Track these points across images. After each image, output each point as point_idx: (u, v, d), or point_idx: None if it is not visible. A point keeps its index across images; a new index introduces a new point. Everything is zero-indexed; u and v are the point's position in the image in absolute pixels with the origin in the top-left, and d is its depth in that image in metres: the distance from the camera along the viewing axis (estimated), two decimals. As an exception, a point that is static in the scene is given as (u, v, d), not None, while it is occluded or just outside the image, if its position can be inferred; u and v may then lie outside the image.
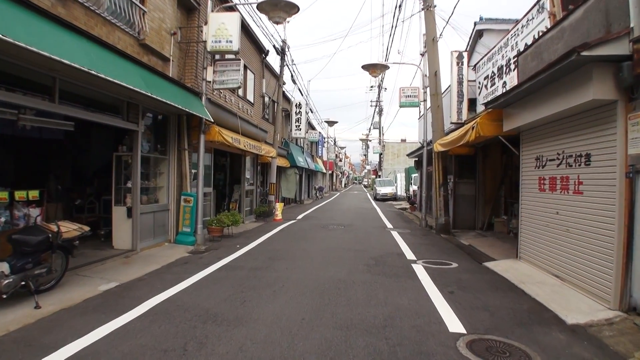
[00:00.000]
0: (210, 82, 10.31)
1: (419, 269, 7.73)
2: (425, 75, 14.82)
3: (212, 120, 10.23)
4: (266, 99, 18.26)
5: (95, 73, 5.91)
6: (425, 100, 15.79)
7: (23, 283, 5.36)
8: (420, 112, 22.02)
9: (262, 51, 16.68)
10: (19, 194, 7.26)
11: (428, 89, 14.53)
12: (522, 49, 8.95)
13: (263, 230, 13.21)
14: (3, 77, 5.89)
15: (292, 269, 7.57)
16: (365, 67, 14.42)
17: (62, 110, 6.66)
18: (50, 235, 5.68)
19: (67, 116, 7.05)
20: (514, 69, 9.78)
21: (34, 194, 7.45)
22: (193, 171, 10.60)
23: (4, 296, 5.12)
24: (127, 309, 5.26)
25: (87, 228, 6.30)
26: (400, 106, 16.17)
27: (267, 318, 4.95)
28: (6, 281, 5.13)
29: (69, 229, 5.97)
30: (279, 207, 16.92)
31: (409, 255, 9.19)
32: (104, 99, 7.75)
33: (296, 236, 12.04)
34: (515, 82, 8.75)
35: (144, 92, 7.16)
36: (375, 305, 5.49)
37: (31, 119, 6.45)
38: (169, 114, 9.96)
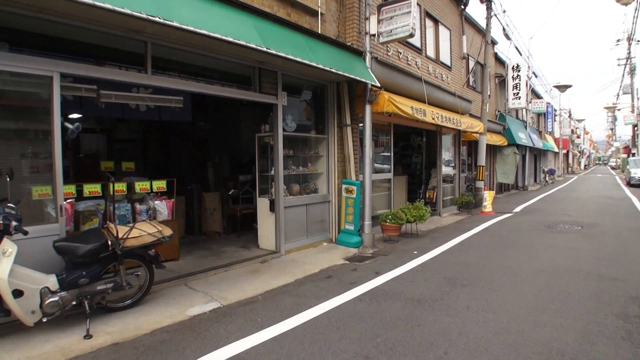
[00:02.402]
0: (374, 35, 7.65)
1: None
2: None
3: (379, 85, 7.57)
4: (470, 62, 14.43)
5: (161, 21, 4.06)
6: None
7: (74, 303, 3.92)
8: None
9: (459, 0, 12.98)
10: (140, 185, 6.18)
11: None
12: None
13: (460, 228, 9.85)
14: (74, 47, 4.61)
15: (475, 312, 4.33)
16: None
17: (155, 82, 5.14)
18: (110, 241, 4.09)
19: (176, 90, 5.56)
20: None
21: (159, 184, 6.30)
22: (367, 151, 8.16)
23: (45, 319, 3.73)
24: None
25: (168, 232, 4.54)
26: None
27: None
28: (50, 299, 3.74)
29: (142, 233, 4.30)
30: (488, 196, 13.07)
31: None
32: (223, 66, 6.03)
33: (503, 241, 8.28)
34: None
35: (254, 47, 5.06)
36: None
37: (116, 94, 5.12)
38: (326, 81, 7.76)
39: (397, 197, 10.80)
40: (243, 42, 4.92)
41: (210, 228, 8.31)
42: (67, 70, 4.38)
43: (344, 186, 7.79)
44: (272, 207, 6.90)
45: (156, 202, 6.25)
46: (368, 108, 7.69)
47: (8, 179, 3.89)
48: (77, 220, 5.53)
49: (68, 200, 5.29)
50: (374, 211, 9.10)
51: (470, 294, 4.86)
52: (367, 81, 7.36)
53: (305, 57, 5.99)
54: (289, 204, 7.03)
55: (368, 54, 7.67)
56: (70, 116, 9.06)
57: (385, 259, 6.79)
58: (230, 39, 4.77)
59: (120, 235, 4.15)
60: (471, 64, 14.50)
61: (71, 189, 5.37)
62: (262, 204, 7.12)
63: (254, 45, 5.04)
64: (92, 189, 5.59)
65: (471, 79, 14.95)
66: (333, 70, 6.49)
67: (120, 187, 5.86)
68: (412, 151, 13.99)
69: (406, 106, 8.30)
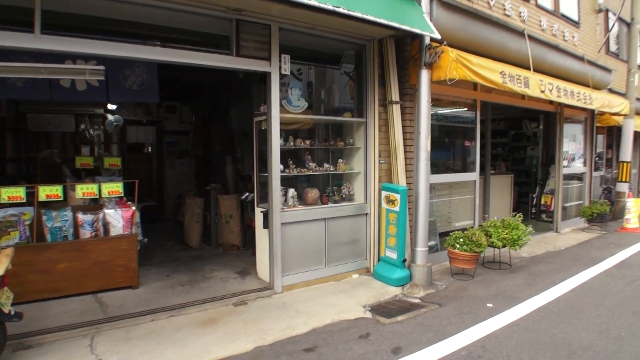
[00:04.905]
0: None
1: None
2: None
3: (440, 39, 4.78)
4: (610, 18, 10.19)
5: None
6: None
7: None
8: None
9: None
10: (83, 189, 4.47)
11: None
12: None
13: (582, 258, 6.34)
14: None
15: None
16: None
17: (46, 45, 3.32)
18: None
19: (86, 55, 3.65)
20: None
21: (111, 188, 4.55)
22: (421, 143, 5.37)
23: None
24: None
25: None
26: None
27: None
28: None
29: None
30: (633, 205, 8.92)
31: None
32: (173, 20, 3.93)
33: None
34: None
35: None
36: None
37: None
38: (361, 39, 5.21)
39: (495, 203, 7.79)
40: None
41: (226, 239, 6.43)
42: None
43: (383, 193, 5.14)
44: (266, 222, 4.66)
45: (107, 210, 4.48)
46: (424, 75, 4.94)
47: None
48: (-8, 234, 4.05)
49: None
50: (450, 224, 6.33)
51: None
52: (420, 32, 4.65)
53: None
54: (293, 218, 4.69)
55: (426, -7, 4.94)
56: (110, 107, 8.02)
57: (435, 314, 4.08)
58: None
59: None
60: (611, 22, 10.28)
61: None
62: (258, 216, 4.93)
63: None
64: (11, 194, 4.06)
65: (613, 44, 10.69)
66: (357, 15, 3.99)
67: (54, 191, 4.22)
68: (527, 142, 10.52)
69: (491, 71, 5.28)
